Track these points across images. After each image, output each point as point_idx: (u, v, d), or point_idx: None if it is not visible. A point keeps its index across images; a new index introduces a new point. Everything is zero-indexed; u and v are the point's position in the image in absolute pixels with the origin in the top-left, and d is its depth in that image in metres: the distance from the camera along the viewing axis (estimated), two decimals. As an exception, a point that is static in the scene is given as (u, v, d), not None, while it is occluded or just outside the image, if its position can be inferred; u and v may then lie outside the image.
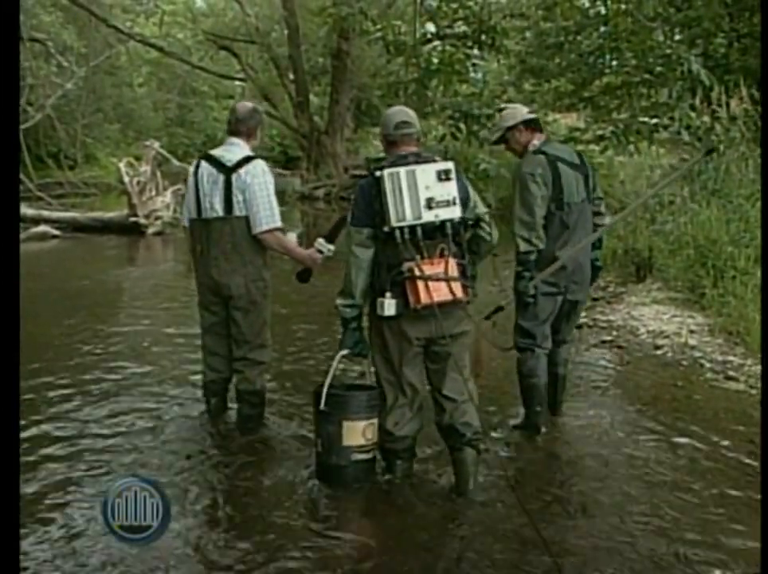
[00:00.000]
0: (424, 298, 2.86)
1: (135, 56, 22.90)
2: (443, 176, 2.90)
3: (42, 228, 11.09)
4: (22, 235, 9.84)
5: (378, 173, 2.90)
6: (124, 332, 5.66)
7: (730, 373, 4.53)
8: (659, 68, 9.86)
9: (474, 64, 12.77)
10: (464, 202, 3.00)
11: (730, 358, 4.77)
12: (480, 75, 14.05)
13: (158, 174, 11.90)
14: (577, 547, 2.71)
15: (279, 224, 3.59)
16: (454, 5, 12.41)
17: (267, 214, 3.54)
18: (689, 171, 6.54)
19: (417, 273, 2.87)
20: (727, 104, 7.26)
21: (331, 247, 3.56)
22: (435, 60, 12.35)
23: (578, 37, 12.15)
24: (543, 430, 3.73)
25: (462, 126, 11.56)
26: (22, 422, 3.55)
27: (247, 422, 3.78)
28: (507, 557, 2.65)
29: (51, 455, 3.42)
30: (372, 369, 3.18)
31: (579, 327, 4.76)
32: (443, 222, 2.91)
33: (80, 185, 16.98)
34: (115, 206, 13.14)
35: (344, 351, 3.08)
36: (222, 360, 3.81)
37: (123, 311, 6.77)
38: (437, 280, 2.89)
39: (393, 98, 12.72)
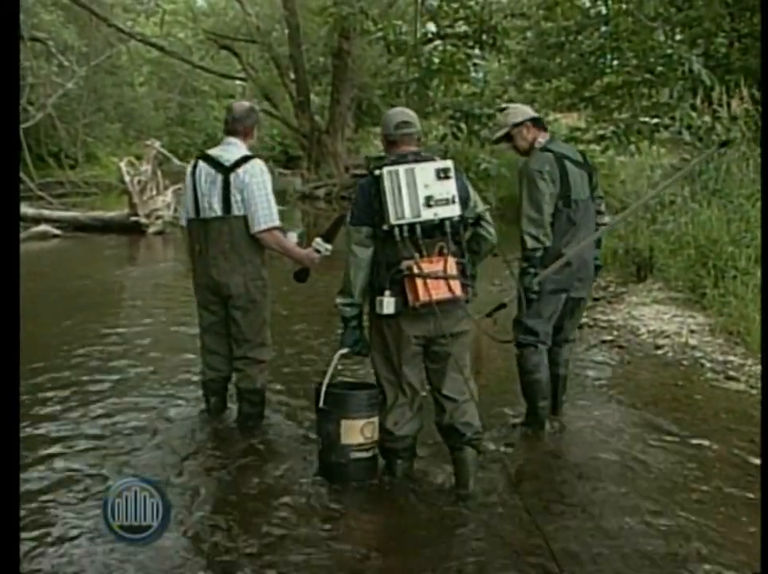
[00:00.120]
0: (422, 296, 2.86)
1: (135, 55, 22.94)
2: (442, 175, 2.90)
3: (43, 227, 11.10)
4: (23, 234, 9.85)
5: (377, 172, 2.91)
6: (124, 332, 5.66)
7: (731, 373, 4.53)
8: (660, 68, 9.85)
9: (475, 64, 12.80)
10: (464, 201, 3.00)
11: (731, 358, 4.77)
12: (480, 75, 14.03)
13: (159, 173, 11.90)
14: (578, 546, 2.70)
15: (277, 223, 3.59)
16: (455, 5, 12.44)
17: (265, 213, 3.54)
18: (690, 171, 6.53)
19: (415, 271, 2.87)
20: (728, 104, 7.26)
21: (329, 247, 3.55)
22: (436, 60, 12.38)
23: (579, 37, 12.15)
24: (546, 427, 3.73)
25: (463, 126, 11.58)
26: (22, 422, 3.54)
27: (247, 421, 3.78)
28: (507, 557, 2.65)
29: (51, 455, 3.41)
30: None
31: (580, 327, 4.76)
32: (442, 221, 2.91)
33: (81, 184, 16.95)
34: (115, 206, 13.13)
35: (344, 350, 3.10)
36: (222, 359, 3.81)
37: (124, 310, 6.77)
38: (436, 278, 2.89)
39: (394, 98, 12.75)
